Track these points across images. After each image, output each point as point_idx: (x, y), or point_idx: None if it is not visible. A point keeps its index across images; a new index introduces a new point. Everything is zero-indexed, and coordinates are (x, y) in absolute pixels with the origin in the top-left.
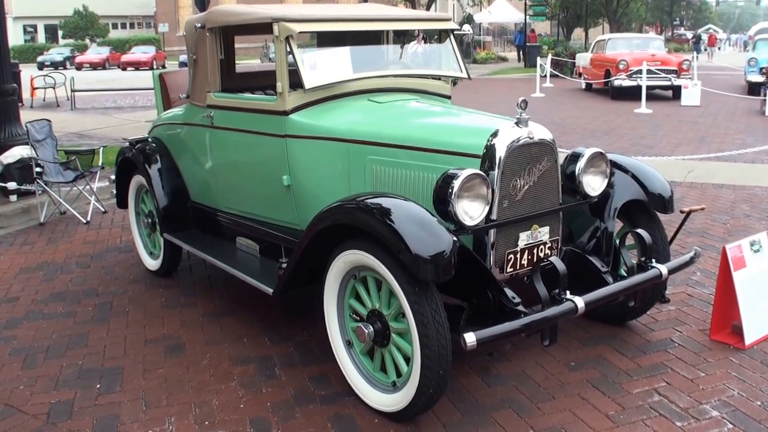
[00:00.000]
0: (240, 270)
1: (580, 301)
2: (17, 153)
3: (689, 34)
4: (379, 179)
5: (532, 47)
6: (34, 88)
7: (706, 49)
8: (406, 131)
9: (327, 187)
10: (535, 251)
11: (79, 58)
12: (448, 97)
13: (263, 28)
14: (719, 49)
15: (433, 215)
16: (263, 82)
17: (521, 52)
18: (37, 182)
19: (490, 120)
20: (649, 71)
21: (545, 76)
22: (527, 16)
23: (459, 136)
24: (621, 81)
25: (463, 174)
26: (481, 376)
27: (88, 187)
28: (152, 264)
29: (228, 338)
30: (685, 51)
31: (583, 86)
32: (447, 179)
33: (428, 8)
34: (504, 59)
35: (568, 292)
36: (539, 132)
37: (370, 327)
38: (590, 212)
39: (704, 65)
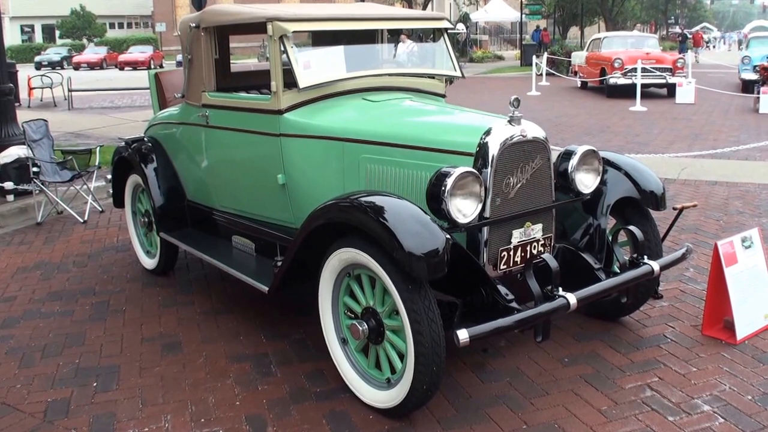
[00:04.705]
0: (236, 268)
1: (572, 298)
2: (14, 153)
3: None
4: (373, 177)
5: (528, 46)
6: (31, 88)
7: (690, 49)
8: (399, 130)
9: (321, 185)
10: (528, 248)
11: (76, 58)
12: (443, 96)
13: (258, 27)
14: (713, 47)
15: (426, 213)
16: (258, 81)
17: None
18: (34, 182)
19: (483, 118)
20: (644, 69)
21: (541, 74)
22: (523, 15)
23: (452, 135)
24: (616, 79)
25: (456, 172)
26: (476, 372)
27: (85, 186)
28: (149, 263)
29: (224, 336)
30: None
31: (579, 84)
32: (440, 177)
33: (425, 7)
34: (501, 58)
35: (560, 289)
36: (532, 130)
37: (365, 324)
38: (583, 209)
39: (697, 63)
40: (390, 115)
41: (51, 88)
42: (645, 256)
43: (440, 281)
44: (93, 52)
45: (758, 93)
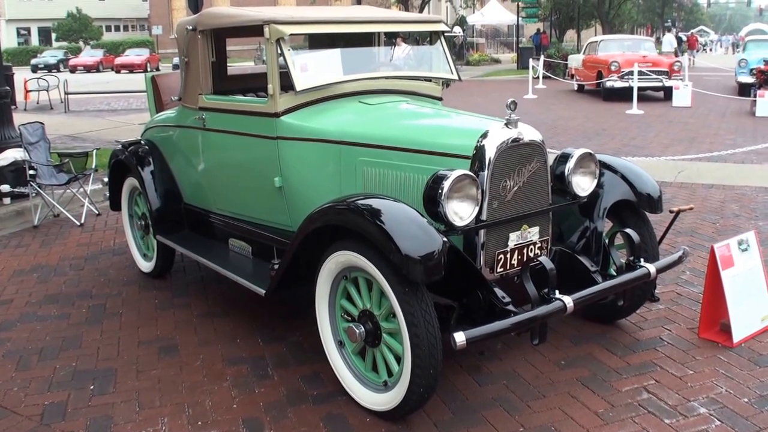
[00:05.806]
0: (233, 271)
1: (568, 300)
2: (10, 156)
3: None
4: (370, 180)
5: (525, 49)
6: (27, 91)
7: (684, 52)
8: (396, 132)
9: (318, 188)
10: (525, 251)
11: (72, 61)
12: (439, 99)
13: (255, 30)
14: (709, 50)
15: (423, 216)
16: (255, 84)
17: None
18: (31, 185)
19: (479, 121)
20: (640, 72)
21: (538, 77)
22: (520, 18)
23: (449, 138)
24: (613, 82)
25: (453, 175)
26: (472, 375)
27: (81, 189)
28: (145, 266)
29: (221, 339)
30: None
31: (576, 88)
32: (437, 180)
33: (421, 10)
34: (497, 61)
35: (557, 292)
36: (529, 133)
37: (361, 327)
38: (580, 212)
39: (693, 66)
40: (387, 118)
41: (47, 90)
42: (641, 259)
43: (437, 284)
44: (89, 55)
45: (755, 96)
